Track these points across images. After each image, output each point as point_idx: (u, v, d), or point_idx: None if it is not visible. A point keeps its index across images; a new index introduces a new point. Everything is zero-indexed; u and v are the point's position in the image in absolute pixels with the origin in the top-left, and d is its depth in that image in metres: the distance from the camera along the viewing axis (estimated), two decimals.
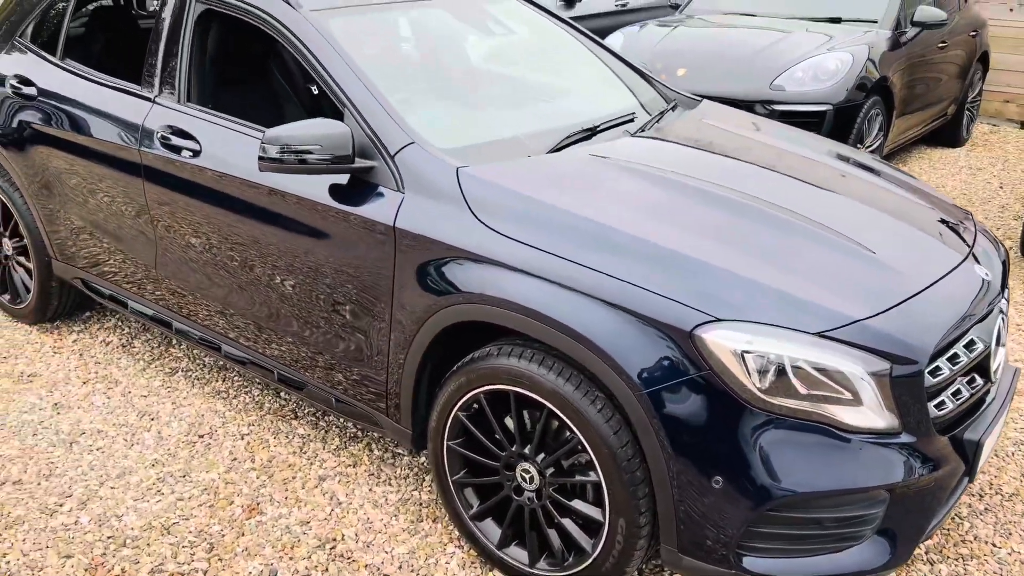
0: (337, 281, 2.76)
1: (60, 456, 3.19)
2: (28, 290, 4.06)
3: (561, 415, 2.34)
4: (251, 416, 3.47)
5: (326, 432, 3.38)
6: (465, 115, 2.99)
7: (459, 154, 2.65)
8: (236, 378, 3.74)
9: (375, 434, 3.36)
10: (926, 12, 6.57)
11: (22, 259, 4.04)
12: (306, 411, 3.51)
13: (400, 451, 3.27)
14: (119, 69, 3.71)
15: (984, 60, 8.37)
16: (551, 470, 2.46)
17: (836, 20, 6.58)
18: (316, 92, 4.00)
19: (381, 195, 2.62)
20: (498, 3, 3.64)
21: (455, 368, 2.57)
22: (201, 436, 3.33)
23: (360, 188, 2.68)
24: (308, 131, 2.60)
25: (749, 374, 2.10)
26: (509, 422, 2.52)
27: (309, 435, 3.36)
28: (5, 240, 4.08)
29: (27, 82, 3.68)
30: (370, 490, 3.06)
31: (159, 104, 3.23)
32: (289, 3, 2.96)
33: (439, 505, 2.98)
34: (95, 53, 3.93)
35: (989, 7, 9.02)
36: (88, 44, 3.94)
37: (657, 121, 3.24)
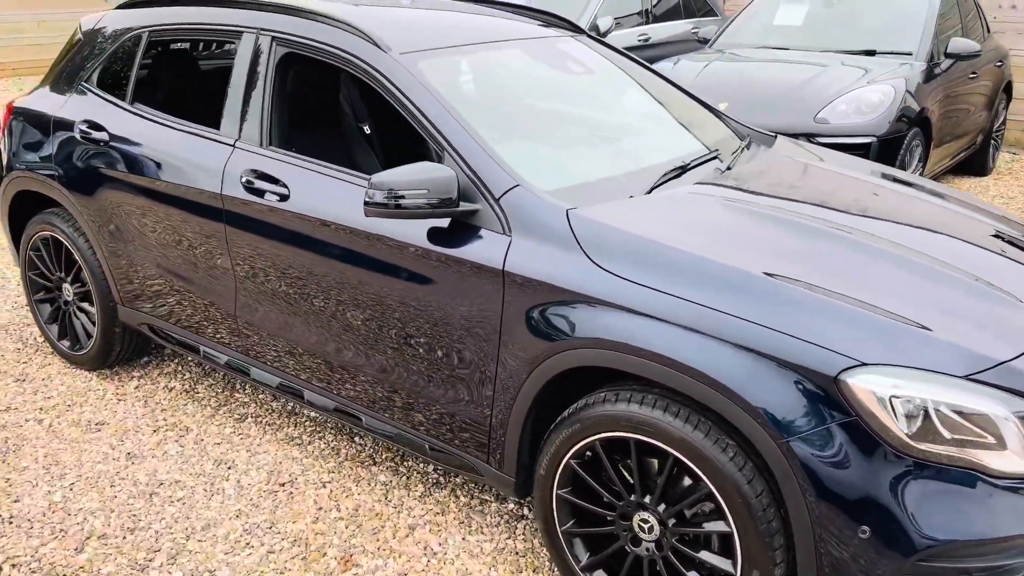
0: (438, 326, 2.71)
1: (142, 508, 3.12)
2: (89, 336, 4.00)
3: (689, 463, 2.28)
4: (329, 463, 3.40)
5: (407, 478, 3.31)
6: (557, 156, 2.96)
7: (560, 196, 2.62)
8: (308, 423, 3.67)
9: (458, 479, 3.30)
10: (959, 44, 6.61)
11: (84, 304, 3.98)
12: (383, 456, 3.44)
13: (487, 497, 3.20)
14: (185, 112, 3.68)
15: (1008, 90, 8.43)
16: (672, 520, 2.39)
17: (870, 53, 6.60)
18: (387, 134, 3.98)
19: (486, 238, 2.58)
20: (568, 42, 3.63)
21: (567, 415, 2.51)
22: (282, 485, 3.26)
23: (462, 231, 2.64)
24: (414, 176, 2.56)
25: (896, 419, 2.05)
26: (616, 469, 2.46)
27: (391, 481, 3.29)
28: (66, 286, 4.02)
29: (97, 126, 3.64)
30: (463, 539, 2.98)
31: (240, 148, 3.19)
32: (379, 46, 2.94)
33: (536, 554, 2.91)
34: (159, 97, 3.90)
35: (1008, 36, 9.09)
36: (152, 88, 3.92)
37: (743, 157, 3.22)
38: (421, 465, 3.39)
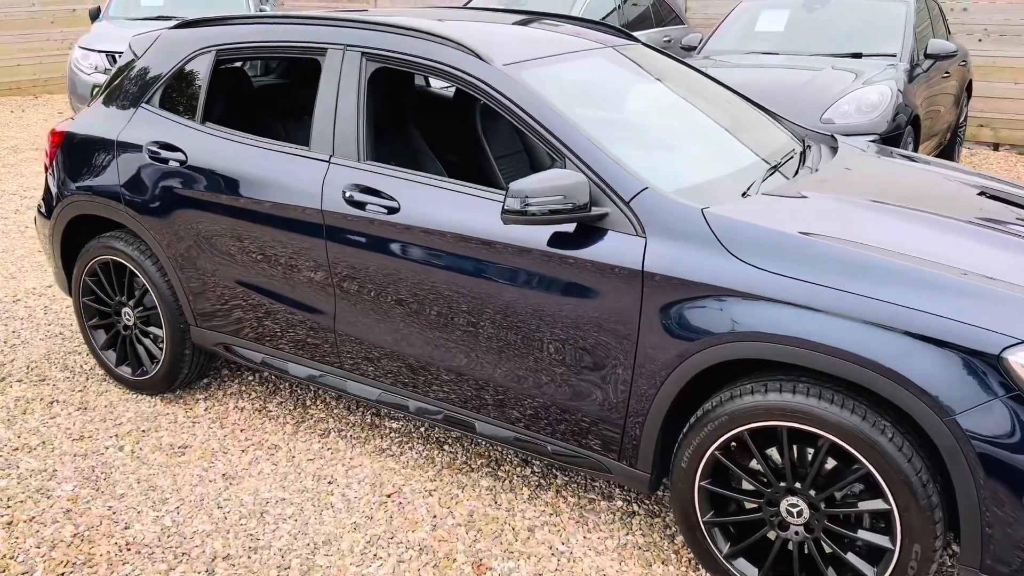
0: (570, 329, 2.78)
1: (256, 527, 3.10)
2: (153, 360, 3.94)
3: (846, 447, 2.40)
4: (428, 472, 3.43)
5: (509, 482, 3.36)
6: (661, 159, 3.06)
7: (681, 196, 2.71)
8: (393, 435, 3.69)
9: (560, 481, 3.36)
10: (938, 45, 6.94)
11: (149, 328, 3.93)
12: (478, 462, 3.49)
13: (593, 496, 3.27)
14: (259, 130, 3.67)
15: (969, 88, 8.86)
16: (823, 503, 2.51)
17: (857, 55, 6.88)
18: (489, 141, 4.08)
19: (619, 240, 2.67)
20: (632, 49, 3.74)
21: (711, 408, 2.61)
22: (388, 496, 3.28)
23: (589, 235, 2.72)
24: (550, 183, 2.64)
25: None
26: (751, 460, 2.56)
27: (494, 486, 3.34)
28: (127, 310, 3.96)
29: (170, 147, 3.61)
30: (584, 537, 3.05)
31: (337, 164, 3.22)
32: (482, 58, 3.00)
33: (659, 547, 3.00)
34: (230, 116, 3.88)
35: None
36: (223, 107, 3.90)
37: (824, 157, 3.37)
38: (519, 468, 3.44)
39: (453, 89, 4.43)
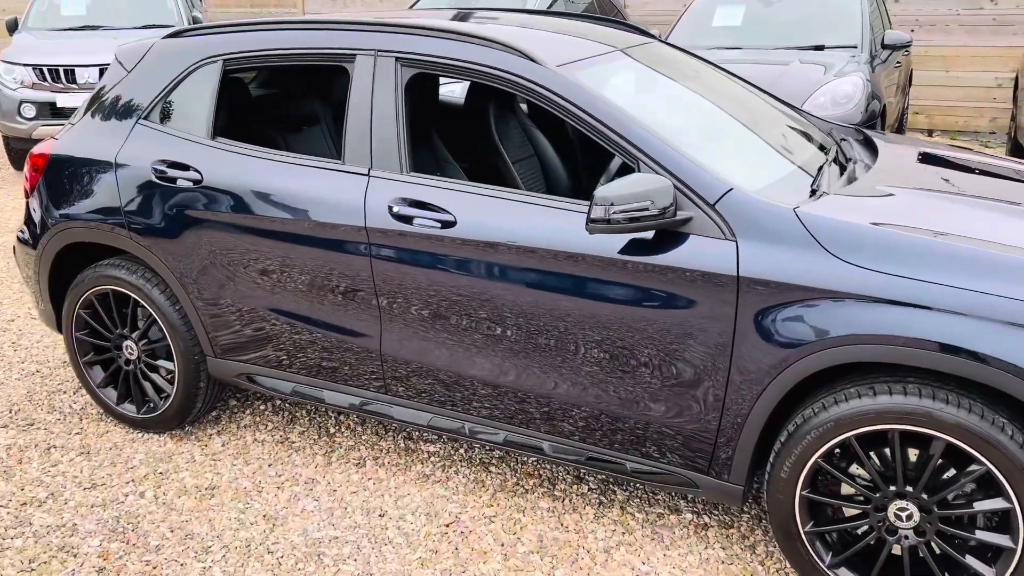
0: (655, 341, 2.65)
1: (315, 571, 2.88)
2: (162, 395, 3.66)
3: (965, 447, 2.34)
4: (481, 497, 3.26)
5: (568, 501, 3.22)
6: (724, 158, 2.95)
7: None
8: (434, 459, 3.51)
9: (621, 495, 3.24)
10: (894, 35, 7.08)
11: (158, 361, 3.64)
12: (530, 483, 3.34)
13: (661, 511, 3.16)
14: (279, 144, 3.44)
15: (910, 76, 9.10)
16: (936, 505, 2.45)
17: (819, 47, 6.96)
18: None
19: (706, 245, 2.56)
20: (661, 48, 3.64)
21: (813, 414, 2.52)
22: (447, 526, 3.10)
23: (672, 241, 2.60)
24: (636, 188, 2.51)
25: None
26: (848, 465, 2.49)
27: (555, 507, 3.19)
28: (129, 343, 3.66)
29: (180, 166, 3.34)
30: (664, 555, 2.93)
31: (378, 177, 3.02)
32: (535, 60, 2.85)
33: (743, 560, 2.90)
34: (243, 129, 3.63)
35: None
36: (234, 120, 3.64)
37: (859, 149, 3.34)
38: (574, 486, 3.31)
39: (463, 94, 4.26)
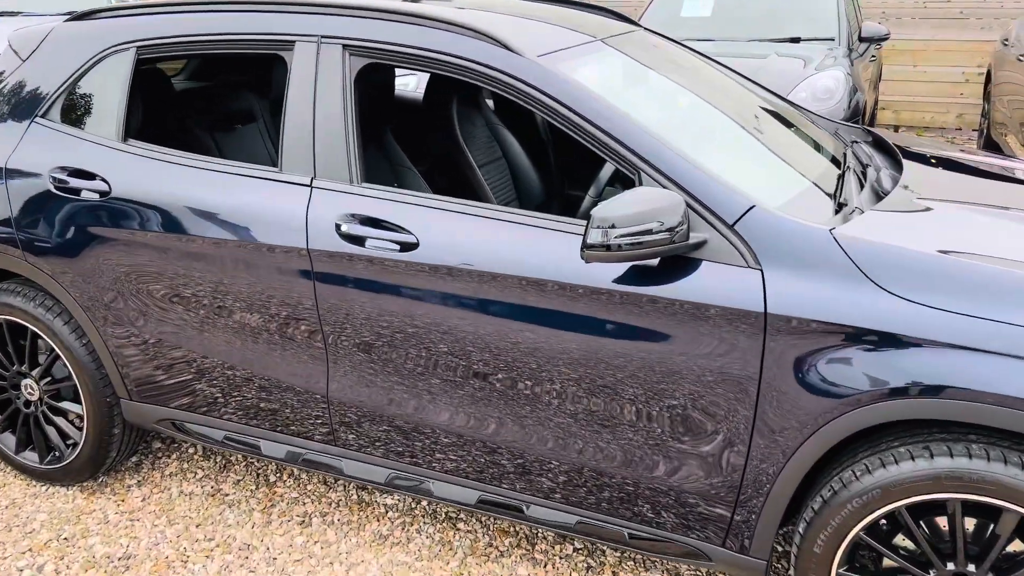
0: (660, 388, 2.19)
1: None
2: (70, 442, 3.11)
3: None
4: (449, 563, 2.77)
5: (551, 566, 2.76)
6: (733, 168, 2.50)
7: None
8: (392, 514, 3.01)
9: (611, 558, 2.78)
10: (871, 28, 6.73)
11: (63, 404, 3.08)
12: (505, 542, 2.86)
13: (655, 574, 2.71)
14: (203, 148, 2.92)
15: (880, 71, 8.80)
16: None
17: (795, 40, 6.58)
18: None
19: (724, 274, 2.10)
20: (645, 36, 3.19)
21: (853, 478, 2.08)
22: None
23: (683, 268, 2.14)
24: (642, 206, 2.05)
25: None
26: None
27: (535, 574, 2.72)
28: (28, 382, 3.10)
29: (83, 174, 2.79)
30: None
31: (322, 189, 2.51)
32: (512, 50, 2.37)
33: None
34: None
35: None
36: (149, 120, 3.10)
37: (877, 154, 2.93)
38: (557, 547, 2.84)
39: (420, 88, 3.76)
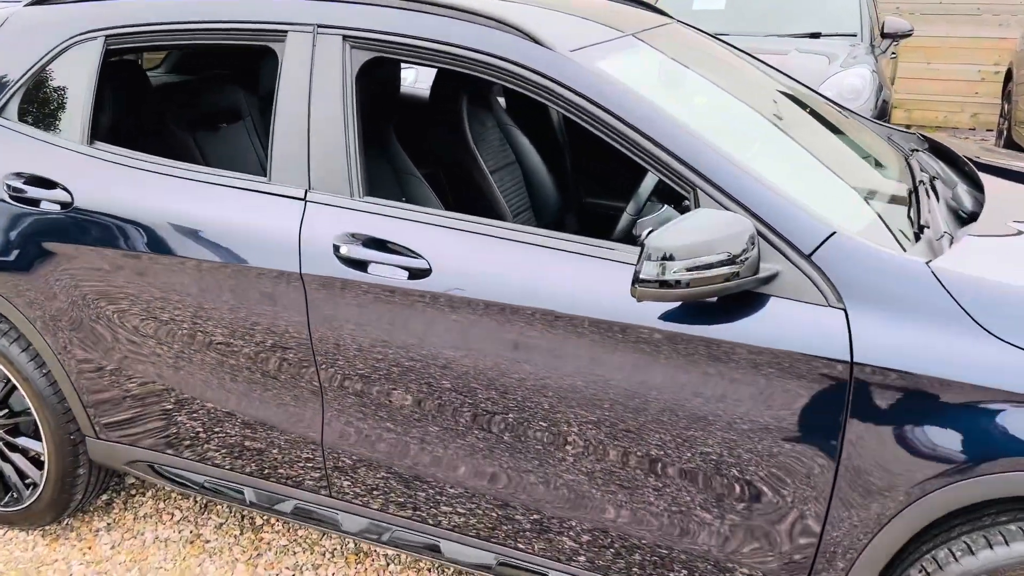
0: (713, 447, 1.85)
1: None
2: (28, 482, 2.75)
3: None
4: None
5: None
6: (797, 185, 2.16)
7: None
8: (395, 566, 2.66)
9: None
10: (894, 23, 6.41)
11: (19, 440, 2.73)
12: None
13: None
14: (149, 148, 2.56)
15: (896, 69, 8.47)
16: None
17: (815, 35, 6.24)
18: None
19: (800, 314, 1.76)
20: (679, 29, 2.84)
21: (953, 558, 1.75)
22: None
23: (747, 305, 1.80)
24: (706, 234, 1.71)
25: None
26: None
27: None
28: None
29: (42, 182, 2.43)
30: None
31: (317, 203, 2.16)
32: (542, 43, 2.02)
33: None
34: (109, 129, 2.71)
35: None
36: (101, 118, 2.72)
37: (949, 167, 2.59)
38: None
39: (420, 81, 3.40)
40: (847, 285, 1.75)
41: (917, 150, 2.81)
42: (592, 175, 3.62)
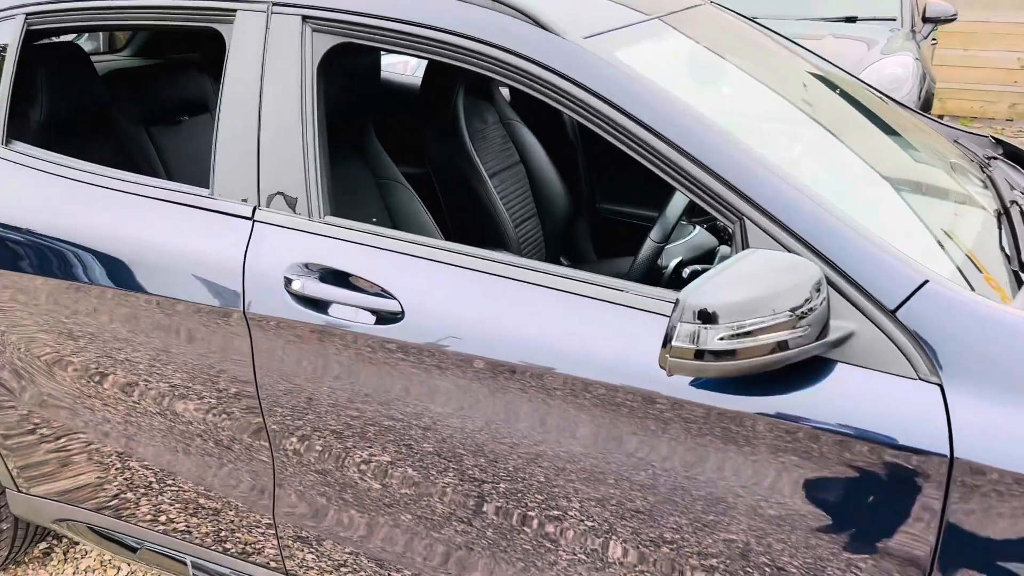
0: (761, 552, 1.43)
1: None
2: None
3: None
4: None
5: None
6: (862, 213, 1.73)
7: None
8: None
9: None
10: (937, 7, 5.92)
11: None
12: None
13: None
14: (89, 149, 2.15)
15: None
16: None
17: (851, 20, 5.76)
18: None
19: (880, 388, 1.34)
20: (713, 12, 2.41)
21: None
22: None
23: (810, 373, 1.37)
24: (760, 288, 1.28)
25: None
26: None
27: None
28: None
29: None
30: None
31: (264, 223, 1.74)
32: (548, 28, 1.59)
33: None
34: (33, 127, 2.30)
35: None
36: (20, 114, 2.31)
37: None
38: None
39: (418, 72, 2.98)
40: (945, 351, 1.32)
41: (995, 158, 2.37)
42: (609, 176, 3.18)
